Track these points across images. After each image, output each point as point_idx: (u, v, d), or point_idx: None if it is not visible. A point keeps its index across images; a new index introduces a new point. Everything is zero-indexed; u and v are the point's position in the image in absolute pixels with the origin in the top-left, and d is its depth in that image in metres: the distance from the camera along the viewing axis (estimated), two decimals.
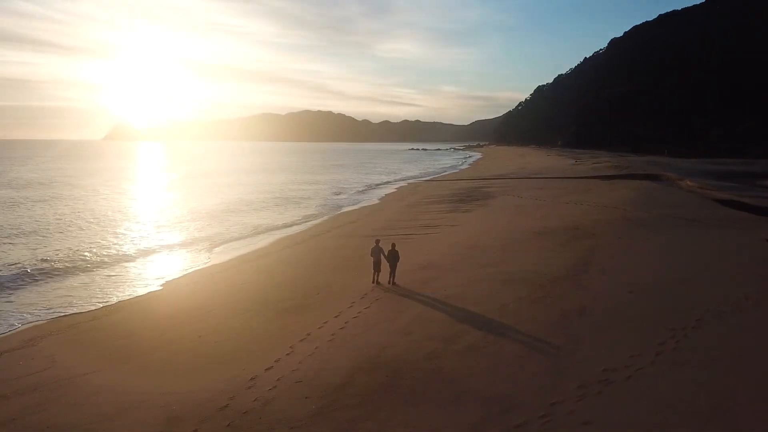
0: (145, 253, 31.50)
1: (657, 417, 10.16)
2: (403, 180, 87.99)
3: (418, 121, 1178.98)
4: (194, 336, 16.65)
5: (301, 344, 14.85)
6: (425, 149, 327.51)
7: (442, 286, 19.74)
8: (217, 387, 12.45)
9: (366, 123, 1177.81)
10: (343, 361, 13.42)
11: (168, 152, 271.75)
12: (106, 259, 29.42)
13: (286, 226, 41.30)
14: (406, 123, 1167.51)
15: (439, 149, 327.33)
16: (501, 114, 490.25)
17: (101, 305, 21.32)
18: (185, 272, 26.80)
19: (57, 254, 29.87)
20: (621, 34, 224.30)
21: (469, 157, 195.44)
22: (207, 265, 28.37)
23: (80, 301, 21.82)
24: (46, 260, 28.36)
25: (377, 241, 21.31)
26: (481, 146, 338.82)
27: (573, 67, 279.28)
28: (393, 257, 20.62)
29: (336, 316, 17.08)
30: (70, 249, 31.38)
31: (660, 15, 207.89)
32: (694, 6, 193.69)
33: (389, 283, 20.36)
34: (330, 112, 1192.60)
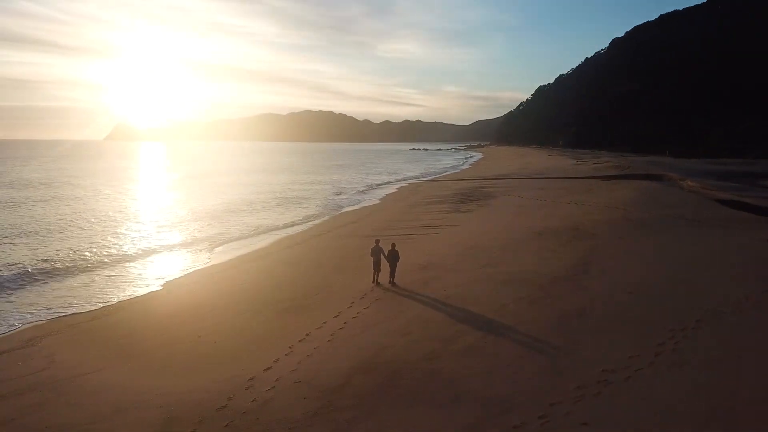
0: (146, 253, 31.52)
1: (656, 418, 10.13)
2: (404, 180, 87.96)
3: (419, 121, 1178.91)
4: (194, 336, 16.66)
5: (300, 344, 14.85)
6: (426, 149, 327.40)
7: (442, 287, 19.72)
8: (216, 387, 12.46)
9: (367, 123, 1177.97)
10: (342, 362, 13.41)
11: (169, 152, 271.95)
12: (106, 259, 29.45)
13: (286, 226, 41.31)
14: (407, 123, 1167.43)
15: (440, 149, 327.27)
16: (502, 114, 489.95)
17: (101, 305, 21.34)
18: (186, 272, 26.82)
19: (57, 254, 29.91)
20: (622, 34, 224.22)
21: (470, 157, 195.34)
22: (207, 265, 28.38)
23: (80, 301, 21.85)
24: (46, 260, 28.40)
25: (377, 241, 21.32)
26: (483, 146, 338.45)
27: (574, 67, 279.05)
28: (393, 257, 20.62)
29: (335, 317, 17.07)
30: (71, 249, 31.42)
31: (661, 15, 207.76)
32: (695, 6, 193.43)
33: (389, 283, 20.35)
34: (331, 112, 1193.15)
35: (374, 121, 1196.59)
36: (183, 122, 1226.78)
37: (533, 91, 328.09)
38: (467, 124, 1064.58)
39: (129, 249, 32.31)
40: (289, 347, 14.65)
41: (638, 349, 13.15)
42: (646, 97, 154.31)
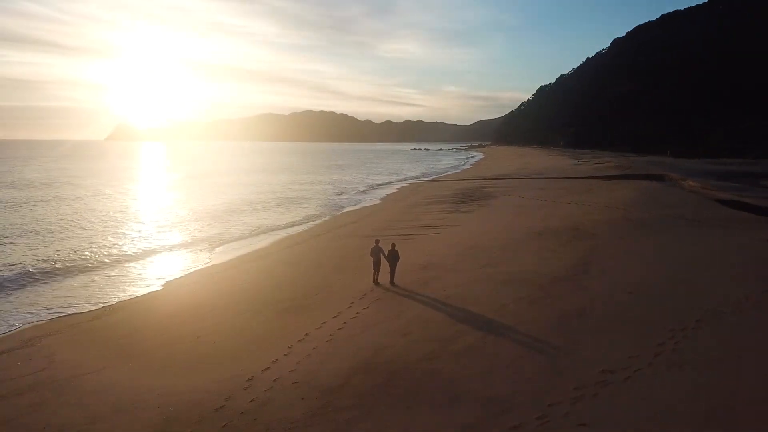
0: (146, 253, 31.54)
1: (655, 418, 10.10)
2: (404, 180, 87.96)
3: (420, 121, 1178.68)
4: (193, 336, 16.65)
5: (299, 345, 14.84)
6: (427, 149, 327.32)
7: (442, 287, 19.70)
8: (214, 387, 12.45)
9: (368, 123, 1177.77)
10: (341, 362, 13.40)
11: (169, 152, 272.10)
12: (106, 259, 29.47)
13: (287, 226, 41.32)
14: (408, 123, 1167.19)
15: (441, 149, 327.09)
16: (503, 114, 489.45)
17: (101, 305, 21.36)
18: (186, 272, 26.83)
19: (58, 254, 29.93)
20: (623, 34, 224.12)
21: (471, 157, 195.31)
22: (208, 265, 28.40)
23: (80, 301, 21.87)
24: (46, 260, 28.42)
25: (377, 241, 21.30)
26: (483, 146, 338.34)
27: (575, 67, 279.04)
28: (393, 257, 20.61)
29: (335, 317, 17.06)
30: (71, 249, 31.44)
31: (662, 15, 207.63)
32: (697, 6, 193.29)
33: (389, 283, 20.33)
34: (332, 113, 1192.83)
35: (375, 121, 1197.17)
36: (183, 122, 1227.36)
37: (534, 92, 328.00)
38: (468, 124, 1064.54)
39: (129, 249, 32.33)
40: (288, 347, 14.64)
41: (638, 349, 13.13)
42: (646, 97, 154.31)
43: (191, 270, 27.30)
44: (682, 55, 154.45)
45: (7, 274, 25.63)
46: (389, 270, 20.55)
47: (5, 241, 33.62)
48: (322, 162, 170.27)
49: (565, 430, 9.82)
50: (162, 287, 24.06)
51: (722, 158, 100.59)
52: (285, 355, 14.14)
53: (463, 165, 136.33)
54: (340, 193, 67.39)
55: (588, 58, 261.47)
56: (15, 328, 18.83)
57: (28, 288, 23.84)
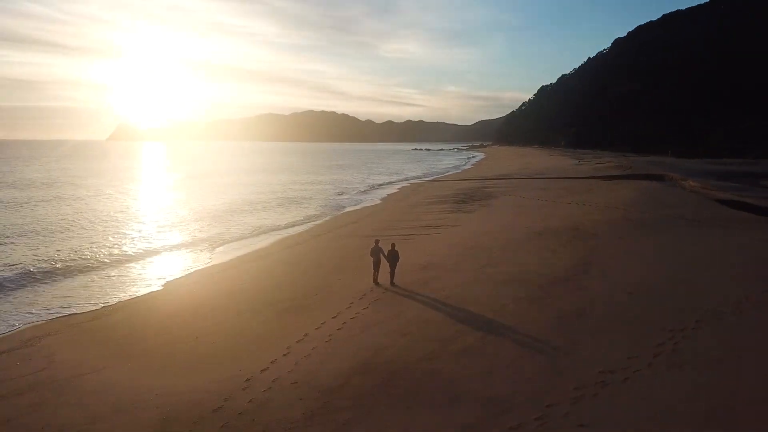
0: (147, 253, 31.56)
1: (654, 419, 10.09)
2: (405, 180, 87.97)
3: (421, 121, 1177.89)
4: (192, 336, 16.67)
5: (298, 345, 14.83)
6: (428, 149, 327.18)
7: (442, 287, 19.68)
8: (214, 388, 12.45)
9: (369, 123, 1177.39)
10: (340, 363, 13.38)
11: (171, 152, 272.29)
12: (107, 259, 29.49)
13: (287, 226, 41.33)
14: (409, 123, 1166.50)
15: (442, 149, 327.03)
16: (504, 114, 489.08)
17: (101, 305, 21.38)
18: (186, 272, 26.84)
19: (58, 254, 29.96)
20: (625, 34, 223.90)
21: (473, 157, 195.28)
22: (208, 265, 28.41)
23: (80, 301, 21.89)
24: (47, 260, 28.45)
25: (377, 241, 21.29)
26: (485, 146, 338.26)
27: (576, 67, 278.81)
28: (393, 257, 20.59)
29: (334, 317, 17.05)
30: (72, 249, 31.47)
31: (664, 15, 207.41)
32: (698, 6, 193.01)
33: (389, 283, 20.32)
34: (333, 113, 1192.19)
35: (376, 122, 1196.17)
36: (183, 122, 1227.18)
37: (535, 92, 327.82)
38: (469, 124, 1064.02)
39: (130, 249, 32.36)
40: (287, 348, 14.63)
41: (637, 350, 13.12)
42: (646, 97, 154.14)
43: (191, 270, 27.31)
44: (682, 55, 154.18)
45: (7, 274, 25.66)
46: (389, 270, 20.54)
47: (6, 241, 33.67)
48: (323, 162, 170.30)
49: (565, 431, 9.81)
50: (162, 287, 24.07)
51: (722, 158, 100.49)
52: (284, 355, 14.14)
53: (464, 165, 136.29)
54: (340, 193, 67.41)
55: (589, 58, 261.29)
56: (15, 328, 18.85)
57: (28, 288, 23.87)
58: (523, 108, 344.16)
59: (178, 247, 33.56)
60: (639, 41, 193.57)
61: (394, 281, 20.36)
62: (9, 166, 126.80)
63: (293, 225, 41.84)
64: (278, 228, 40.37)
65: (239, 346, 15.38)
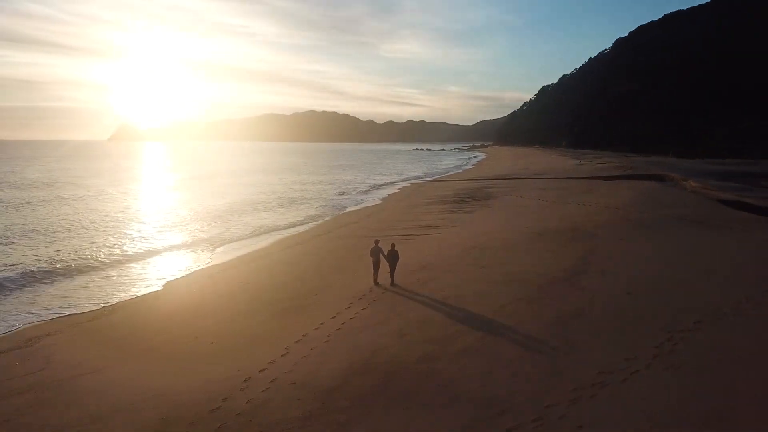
0: (147, 253, 31.59)
1: (653, 420, 10.07)
2: (406, 180, 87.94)
3: (422, 122, 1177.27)
4: (192, 336, 16.68)
5: (296, 345, 14.84)
6: (430, 149, 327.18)
7: (441, 287, 19.67)
8: (211, 388, 12.45)
9: (370, 123, 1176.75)
10: (338, 363, 13.38)
11: (172, 153, 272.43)
12: (107, 259, 29.52)
13: (288, 226, 41.33)
14: (410, 123, 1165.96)
15: (443, 149, 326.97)
16: (506, 114, 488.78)
17: (101, 305, 21.40)
18: (187, 272, 26.86)
19: (59, 254, 29.99)
20: (626, 35, 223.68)
21: (474, 157, 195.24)
22: (208, 265, 28.43)
23: (80, 301, 21.91)
24: (47, 260, 28.47)
25: (377, 242, 21.28)
26: (486, 146, 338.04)
27: (578, 67, 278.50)
28: (392, 257, 20.58)
29: (333, 317, 17.05)
30: (72, 249, 31.49)
31: (665, 15, 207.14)
32: (699, 6, 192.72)
33: (390, 284, 20.33)
34: (335, 113, 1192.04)
35: (378, 122, 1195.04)
36: (184, 122, 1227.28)
37: (537, 92, 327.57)
38: (470, 124, 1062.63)
39: (130, 249, 32.38)
40: (286, 348, 14.63)
41: (636, 351, 13.10)
42: (645, 97, 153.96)
43: (192, 270, 27.33)
44: (681, 55, 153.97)
45: (7, 274, 25.67)
46: (389, 270, 20.54)
47: (6, 241, 33.71)
48: (324, 162, 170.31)
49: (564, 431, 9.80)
50: (162, 287, 24.09)
51: (722, 158, 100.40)
52: (283, 355, 14.14)
53: (464, 165, 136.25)
54: (341, 194, 67.40)
55: (590, 58, 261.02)
56: (15, 328, 18.87)
57: (28, 288, 23.89)
58: (524, 108, 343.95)
59: (179, 247, 33.58)
60: (638, 41, 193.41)
61: (394, 281, 20.35)
62: (10, 166, 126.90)
63: (294, 225, 41.85)
64: (279, 228, 40.38)
65: (238, 347, 15.39)
